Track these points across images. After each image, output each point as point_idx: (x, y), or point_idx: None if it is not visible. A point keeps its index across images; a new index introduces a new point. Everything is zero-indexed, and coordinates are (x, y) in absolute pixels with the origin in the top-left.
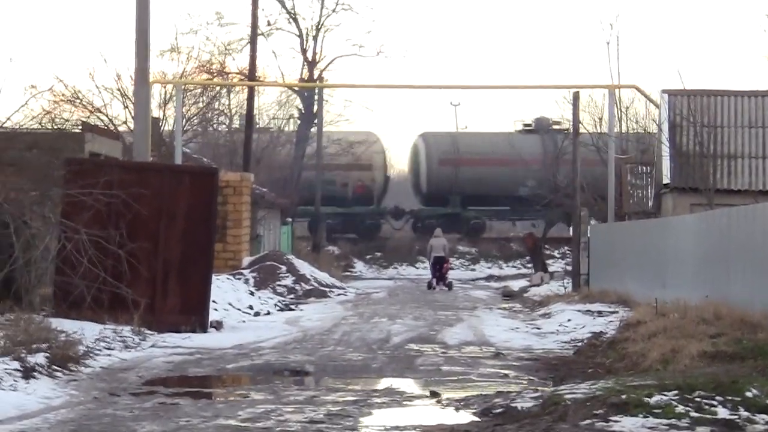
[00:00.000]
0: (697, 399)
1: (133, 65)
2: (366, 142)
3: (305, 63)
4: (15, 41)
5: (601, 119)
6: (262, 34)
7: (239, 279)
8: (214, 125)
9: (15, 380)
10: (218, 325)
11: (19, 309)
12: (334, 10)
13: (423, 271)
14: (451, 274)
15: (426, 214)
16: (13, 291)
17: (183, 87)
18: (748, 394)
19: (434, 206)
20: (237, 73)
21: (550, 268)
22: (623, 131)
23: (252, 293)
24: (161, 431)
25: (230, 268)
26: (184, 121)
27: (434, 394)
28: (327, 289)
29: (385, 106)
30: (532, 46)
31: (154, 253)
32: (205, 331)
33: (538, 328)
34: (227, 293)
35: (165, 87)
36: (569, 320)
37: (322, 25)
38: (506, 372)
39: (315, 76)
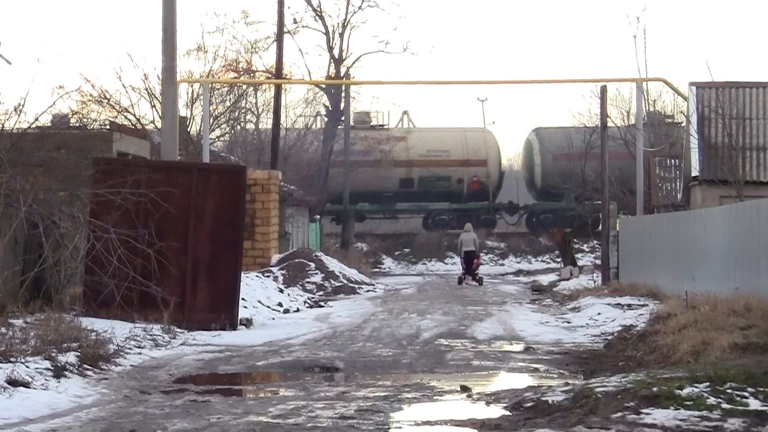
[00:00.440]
0: (729, 390)
1: (159, 65)
2: (480, 138)
3: (332, 60)
4: (42, 42)
5: (628, 112)
6: (289, 32)
7: (268, 276)
8: (242, 124)
9: (46, 379)
10: (248, 323)
11: (50, 308)
12: (360, 7)
13: (452, 266)
14: (480, 269)
15: (540, 209)
16: (43, 291)
17: (210, 86)
18: None
19: (548, 201)
20: (263, 72)
21: (580, 262)
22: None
23: (281, 290)
24: (192, 428)
25: (259, 265)
26: (211, 119)
27: (465, 389)
28: (356, 286)
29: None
30: (559, 40)
31: (183, 252)
32: (234, 328)
33: (568, 322)
34: (256, 291)
35: (192, 86)
36: (599, 314)
37: (348, 22)
38: (536, 366)
39: (341, 74)
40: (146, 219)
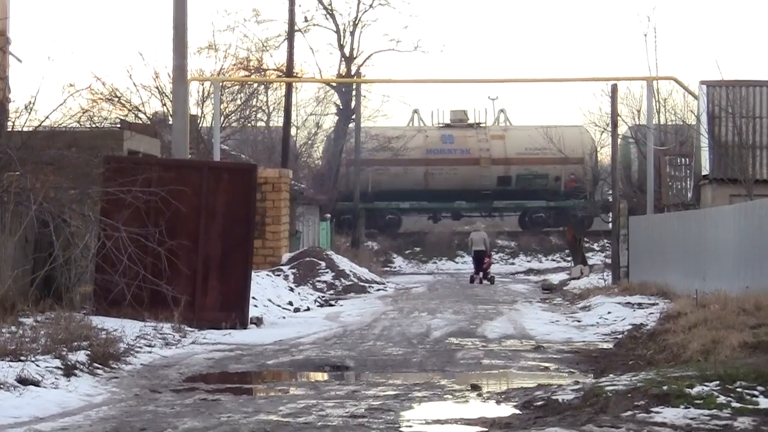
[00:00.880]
0: (739, 389)
1: (170, 63)
2: (577, 136)
3: (342, 59)
4: (53, 40)
5: (639, 111)
6: (300, 30)
7: (279, 275)
8: (252, 122)
9: (56, 378)
10: (258, 322)
11: (60, 307)
12: (371, 6)
13: (462, 265)
14: (491, 269)
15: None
16: (54, 289)
17: (221, 84)
18: None
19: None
20: (274, 70)
21: (590, 261)
22: (661, 123)
23: (291, 289)
24: (203, 427)
25: (269, 264)
26: (222, 118)
27: (475, 388)
28: (366, 285)
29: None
30: (570, 39)
31: (194, 250)
32: (245, 327)
33: (578, 321)
34: (267, 289)
35: (203, 84)
36: (609, 313)
37: (359, 20)
38: (547, 365)
39: (352, 72)
40: (157, 217)
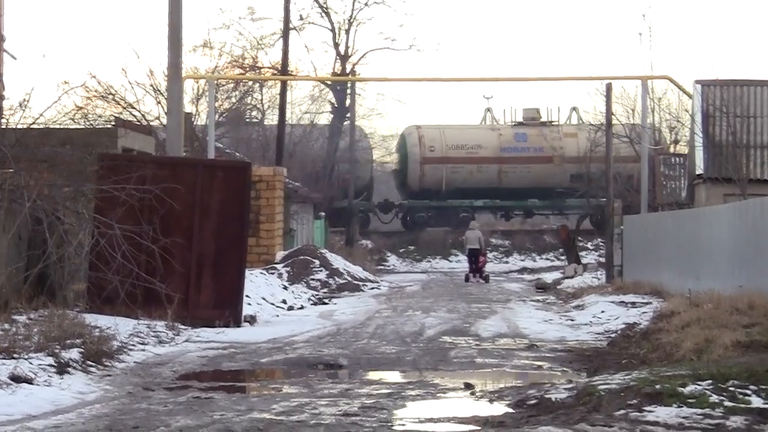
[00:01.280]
0: (731, 388)
1: (165, 61)
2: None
3: (337, 57)
4: (48, 37)
5: (633, 110)
6: (295, 28)
7: (273, 273)
8: (247, 120)
9: (49, 376)
10: (252, 320)
11: (53, 305)
12: (366, 4)
13: (456, 264)
14: (485, 267)
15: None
16: (47, 287)
17: (215, 82)
18: None
19: None
20: (269, 68)
21: (584, 260)
22: (656, 122)
23: (285, 287)
24: (195, 425)
25: (263, 262)
26: (217, 116)
27: (468, 386)
28: (360, 283)
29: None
30: (565, 37)
31: (188, 248)
32: (238, 325)
33: (572, 320)
34: (261, 288)
35: (197, 82)
36: (603, 312)
37: (354, 18)
38: (540, 363)
39: (347, 70)
40: (151, 215)
